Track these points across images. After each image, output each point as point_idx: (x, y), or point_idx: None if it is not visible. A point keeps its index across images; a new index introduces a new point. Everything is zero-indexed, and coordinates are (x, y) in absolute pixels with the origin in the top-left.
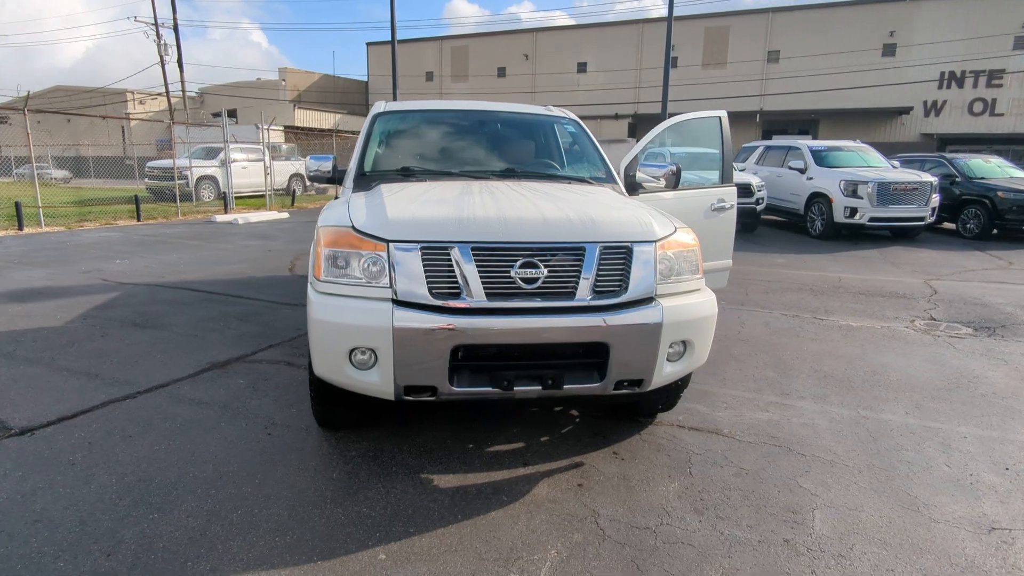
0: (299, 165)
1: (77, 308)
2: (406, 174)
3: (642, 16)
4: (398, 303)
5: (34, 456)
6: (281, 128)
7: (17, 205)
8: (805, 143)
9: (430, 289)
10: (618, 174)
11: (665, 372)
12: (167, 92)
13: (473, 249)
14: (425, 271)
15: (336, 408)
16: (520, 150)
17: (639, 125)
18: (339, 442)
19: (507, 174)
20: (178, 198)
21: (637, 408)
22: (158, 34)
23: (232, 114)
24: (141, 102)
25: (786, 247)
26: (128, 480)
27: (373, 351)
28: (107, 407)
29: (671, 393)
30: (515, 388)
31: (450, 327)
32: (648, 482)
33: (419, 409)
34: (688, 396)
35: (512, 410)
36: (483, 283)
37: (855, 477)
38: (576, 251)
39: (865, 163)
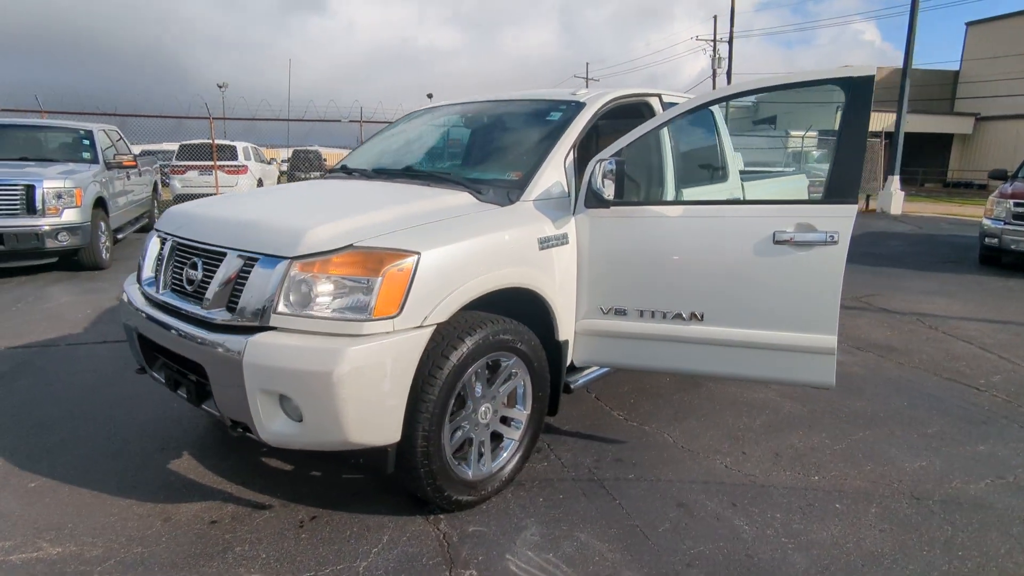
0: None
1: None
2: (346, 172)
3: None
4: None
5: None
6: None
7: None
8: None
9: (149, 273)
10: None
11: (276, 428)
12: None
13: (175, 243)
14: (148, 258)
15: None
16: (456, 148)
17: None
18: None
19: (405, 174)
20: None
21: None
22: (715, 49)
23: (771, 121)
24: None
25: None
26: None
27: None
28: (103, 344)
29: (431, 490)
30: (178, 391)
31: (128, 310)
32: (248, 558)
33: None
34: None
35: None
36: (164, 276)
37: None
38: (218, 256)
39: None
